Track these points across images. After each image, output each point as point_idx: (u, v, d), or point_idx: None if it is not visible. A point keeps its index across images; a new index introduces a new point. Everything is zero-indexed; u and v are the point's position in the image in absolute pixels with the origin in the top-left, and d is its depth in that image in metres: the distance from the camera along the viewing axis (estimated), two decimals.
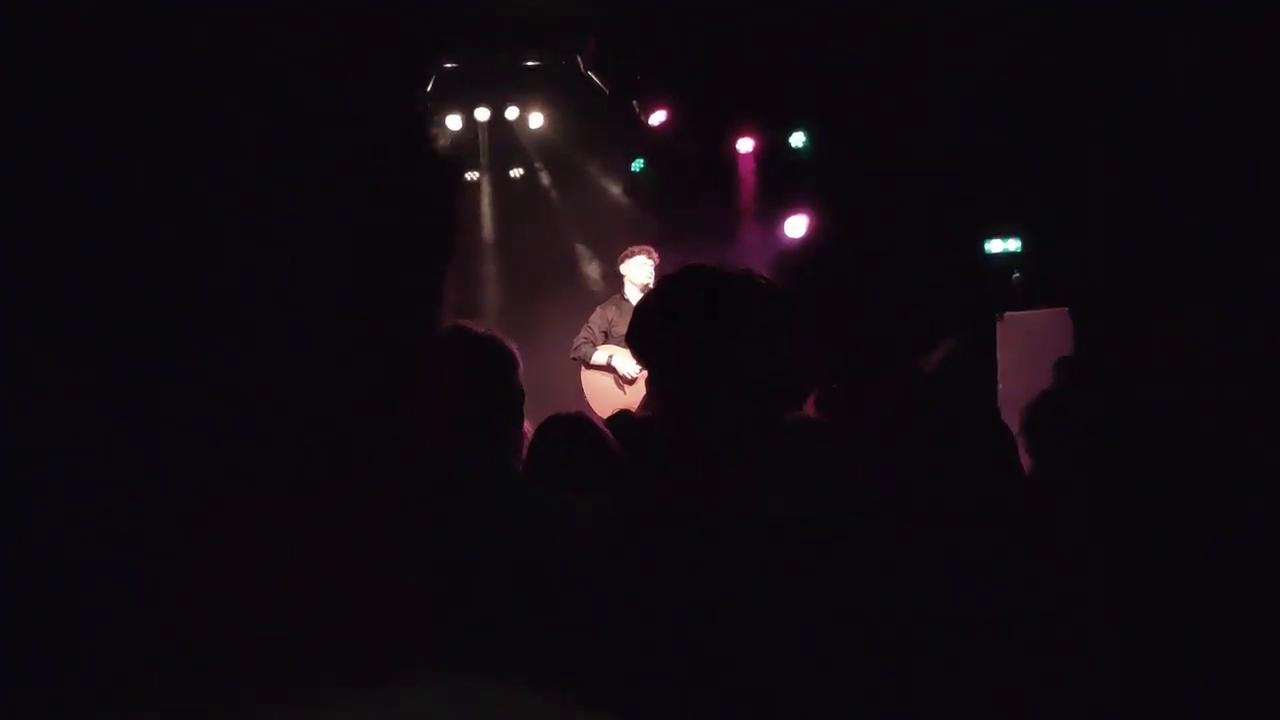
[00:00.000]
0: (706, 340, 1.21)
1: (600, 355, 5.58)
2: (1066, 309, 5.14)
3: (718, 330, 1.21)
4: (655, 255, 5.61)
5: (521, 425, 1.95)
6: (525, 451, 2.10)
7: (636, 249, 5.65)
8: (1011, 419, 2.12)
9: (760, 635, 1.11)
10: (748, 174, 6.79)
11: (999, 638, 1.39)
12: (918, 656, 1.15)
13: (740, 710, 1.08)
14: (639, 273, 5.60)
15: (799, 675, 1.09)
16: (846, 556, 1.19)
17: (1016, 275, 5.82)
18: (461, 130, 6.82)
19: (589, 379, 5.66)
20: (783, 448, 1.28)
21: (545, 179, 7.11)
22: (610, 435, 2.24)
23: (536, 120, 6.81)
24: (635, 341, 1.31)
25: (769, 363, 1.25)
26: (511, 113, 6.79)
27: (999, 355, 5.14)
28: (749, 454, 1.22)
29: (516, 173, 7.12)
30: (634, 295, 5.62)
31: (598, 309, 5.81)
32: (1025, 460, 2.10)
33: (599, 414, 5.28)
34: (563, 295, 6.57)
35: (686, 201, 6.77)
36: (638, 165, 7.01)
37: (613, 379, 5.59)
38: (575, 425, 2.21)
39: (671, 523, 1.29)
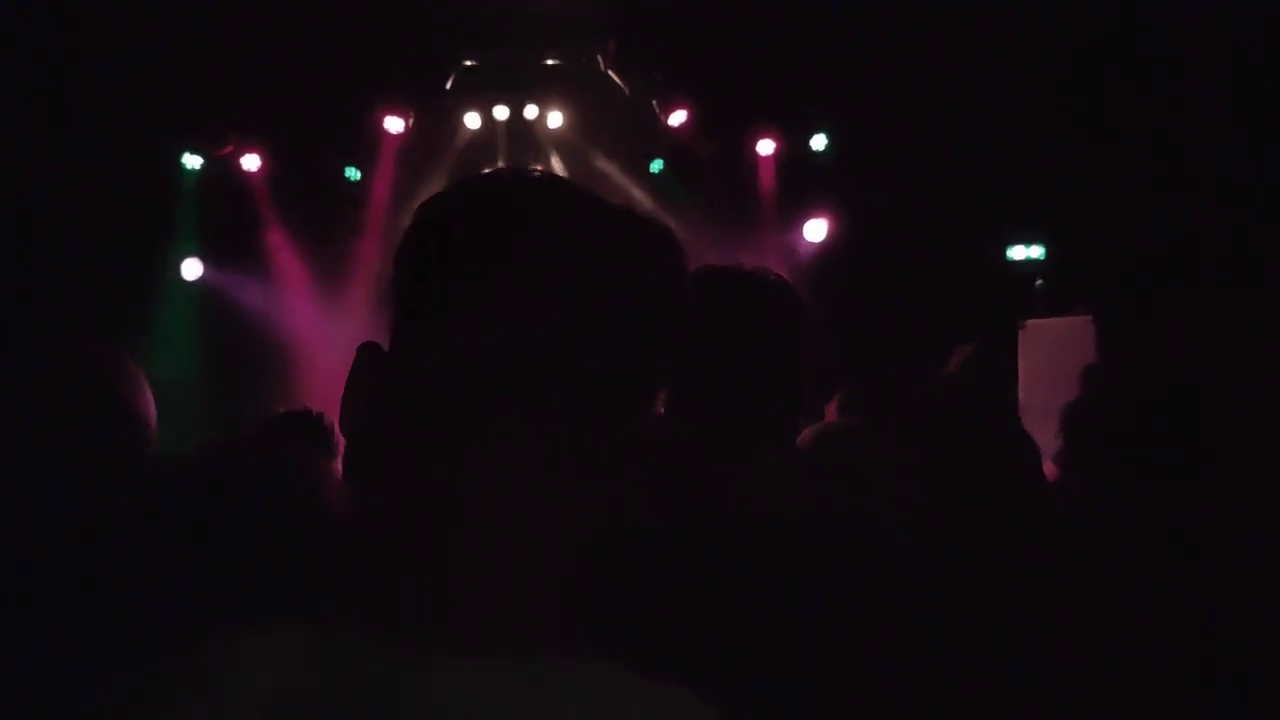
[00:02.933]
0: (717, 338, 1.20)
1: None
2: (1090, 317, 5.07)
3: (729, 328, 1.20)
4: None
5: None
6: None
7: None
8: (1033, 427, 2.07)
9: (770, 639, 1.08)
10: (768, 176, 6.74)
11: (1021, 646, 1.35)
12: (931, 662, 1.12)
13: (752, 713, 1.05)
14: None
15: (807, 679, 1.07)
16: (861, 560, 1.16)
17: (1039, 282, 5.75)
18: (479, 128, 6.81)
19: None
20: (797, 448, 1.26)
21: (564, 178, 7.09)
22: None
23: (555, 119, 6.79)
24: None
25: (781, 361, 1.23)
26: (530, 111, 6.76)
27: (1020, 363, 5.08)
28: (760, 453, 1.19)
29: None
30: None
31: None
32: (1049, 468, 2.05)
33: None
34: None
35: (705, 203, 6.74)
36: (657, 166, 6.98)
37: None
38: None
39: (685, 525, 1.27)
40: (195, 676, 0.59)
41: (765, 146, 6.69)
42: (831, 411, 3.54)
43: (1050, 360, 4.84)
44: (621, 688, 0.59)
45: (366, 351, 0.68)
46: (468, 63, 6.60)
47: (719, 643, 1.07)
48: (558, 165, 7.08)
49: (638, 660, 0.63)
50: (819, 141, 6.64)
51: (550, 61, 6.68)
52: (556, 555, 0.62)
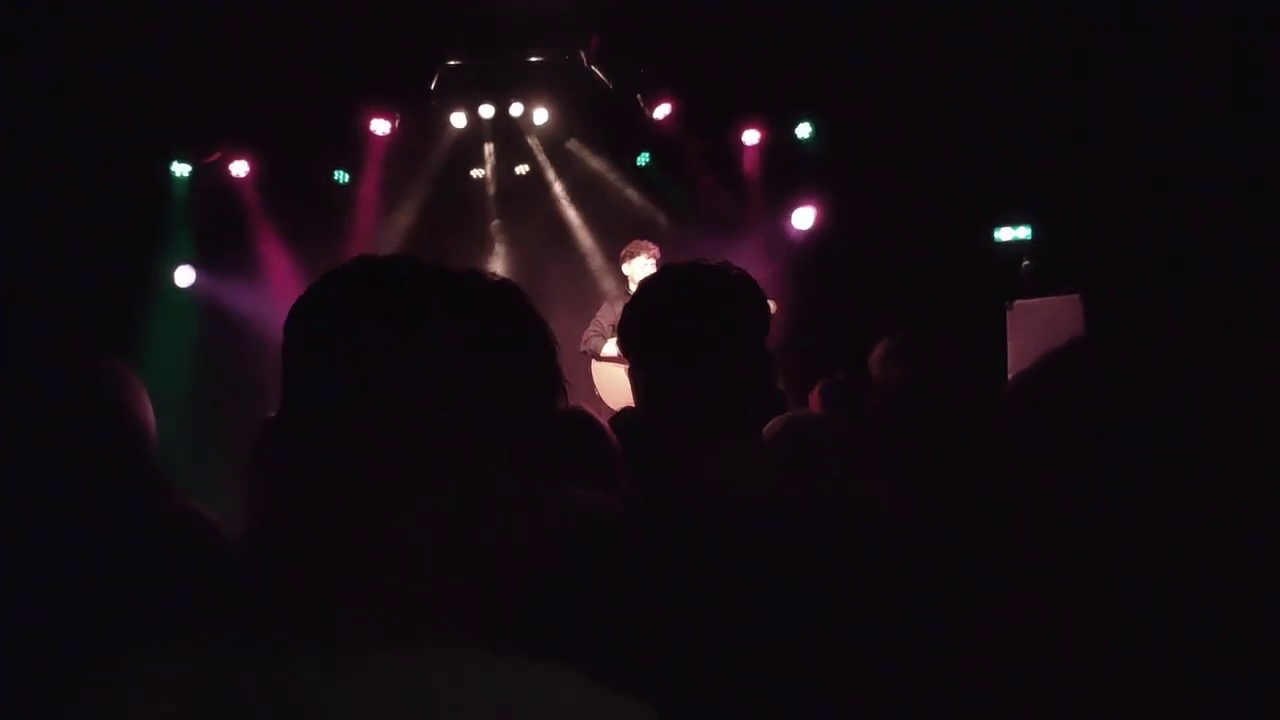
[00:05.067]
0: (676, 332, 1.25)
1: (610, 347, 5.61)
2: (1078, 296, 5.11)
3: (686, 322, 1.25)
4: (656, 252, 5.62)
5: None
6: None
7: (637, 248, 5.67)
8: None
9: (750, 627, 1.11)
10: (754, 166, 6.78)
11: (997, 630, 1.38)
12: (914, 647, 1.15)
13: (740, 701, 1.08)
14: (640, 271, 5.62)
15: (792, 666, 1.09)
16: (833, 546, 1.19)
17: (1026, 263, 5.79)
18: (465, 127, 6.83)
19: (599, 371, 5.68)
20: (760, 441, 1.30)
21: (550, 175, 7.12)
22: (607, 429, 2.25)
23: (541, 116, 6.82)
24: (620, 338, 1.36)
25: (749, 352, 1.27)
26: (516, 109, 6.79)
27: (1009, 343, 5.12)
28: (733, 443, 1.23)
29: (522, 169, 7.13)
30: None
31: (604, 304, 5.83)
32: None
33: (610, 405, 5.32)
34: (569, 291, 6.58)
35: (693, 194, 6.78)
36: (643, 159, 7.02)
37: (623, 370, 5.61)
38: (571, 419, 2.21)
39: (662, 515, 1.30)
40: (110, 687, 0.64)
41: (750, 136, 6.72)
42: (814, 400, 3.57)
43: (1039, 339, 4.87)
44: (524, 675, 0.63)
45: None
46: (451, 62, 6.62)
47: (699, 630, 1.10)
48: (544, 161, 7.11)
49: (621, 649, 0.66)
50: (804, 130, 6.68)
51: (534, 59, 6.70)
52: (466, 551, 0.69)
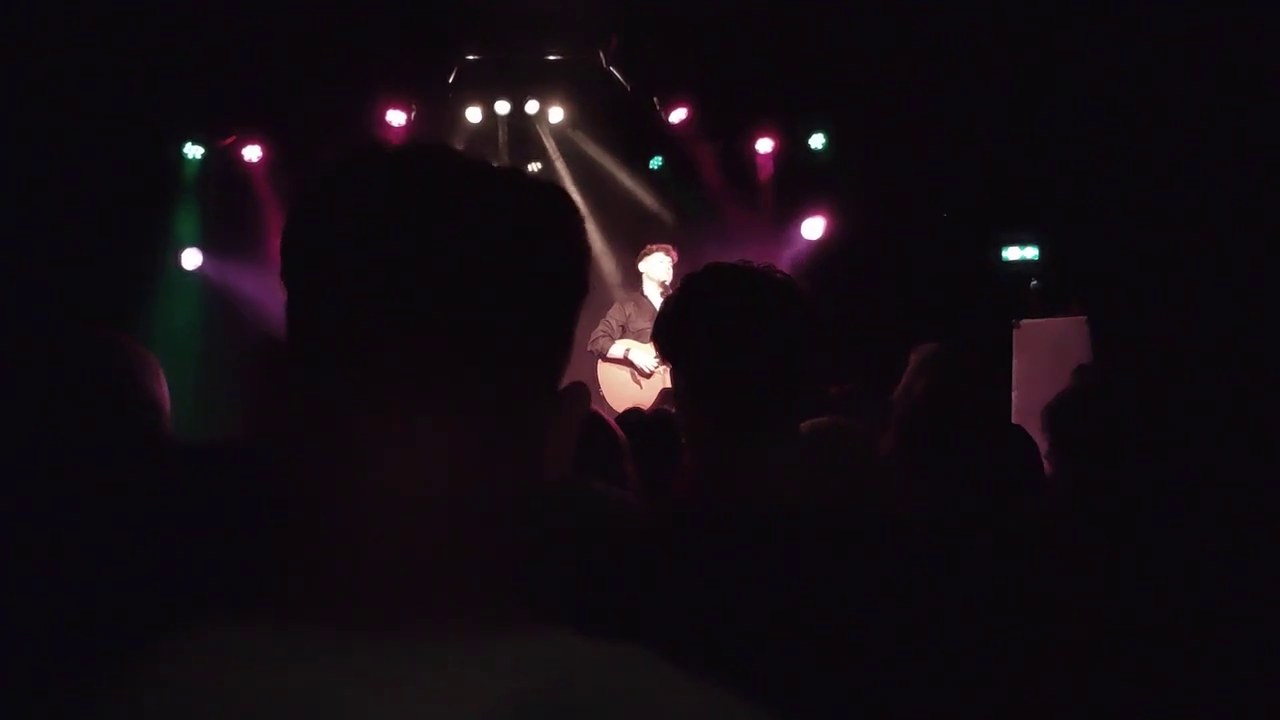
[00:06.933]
0: (726, 335, 1.23)
1: (618, 349, 5.60)
2: (1084, 317, 5.10)
3: (738, 326, 1.23)
4: (674, 253, 5.65)
5: None
6: None
7: (655, 246, 5.69)
8: (1027, 426, 2.11)
9: (772, 630, 1.10)
10: (766, 174, 6.79)
11: (1015, 638, 1.38)
12: (930, 655, 1.15)
13: (760, 702, 1.08)
14: (657, 270, 5.64)
15: (810, 670, 1.09)
16: (861, 553, 1.19)
17: (1034, 283, 5.79)
18: (481, 123, 6.83)
19: (605, 372, 5.68)
20: (799, 445, 1.29)
21: (564, 174, 7.11)
22: (614, 426, 2.25)
23: (556, 115, 6.82)
24: (659, 339, 1.33)
25: (788, 357, 1.26)
26: (532, 106, 6.79)
27: (1015, 363, 5.11)
28: (766, 450, 1.22)
29: (535, 167, 7.13)
30: (652, 292, 5.65)
31: (615, 304, 5.83)
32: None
33: (615, 407, 5.32)
34: None
35: (704, 199, 6.78)
36: (656, 163, 7.02)
37: (629, 373, 5.61)
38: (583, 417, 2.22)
39: (690, 516, 1.29)
40: (126, 683, 0.55)
41: (764, 144, 6.73)
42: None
43: (1045, 360, 4.87)
44: (569, 653, 0.57)
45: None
46: (470, 57, 6.63)
47: (724, 632, 1.10)
48: (558, 160, 7.11)
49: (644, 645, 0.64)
50: (817, 140, 6.69)
51: (552, 57, 6.70)
52: (467, 516, 0.60)
